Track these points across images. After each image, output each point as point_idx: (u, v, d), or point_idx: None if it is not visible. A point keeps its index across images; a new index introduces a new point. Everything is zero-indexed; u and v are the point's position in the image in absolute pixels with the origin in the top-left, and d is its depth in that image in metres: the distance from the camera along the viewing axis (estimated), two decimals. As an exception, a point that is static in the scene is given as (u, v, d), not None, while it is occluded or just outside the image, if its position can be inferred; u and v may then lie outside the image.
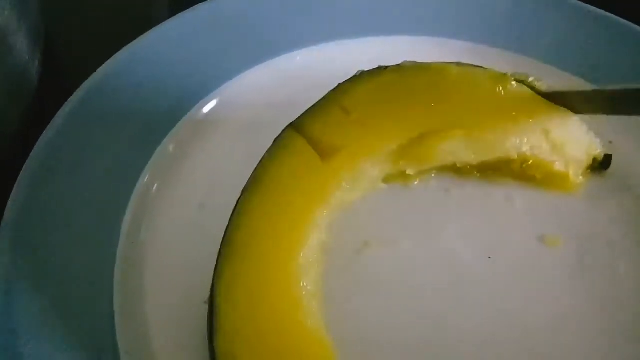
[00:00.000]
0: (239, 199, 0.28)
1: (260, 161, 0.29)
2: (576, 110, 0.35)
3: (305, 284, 0.27)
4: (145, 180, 0.34)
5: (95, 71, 0.37)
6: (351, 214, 0.33)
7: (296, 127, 0.30)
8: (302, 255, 0.28)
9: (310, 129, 0.29)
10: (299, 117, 0.30)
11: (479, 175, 0.37)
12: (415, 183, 0.36)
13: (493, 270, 0.33)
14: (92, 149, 0.34)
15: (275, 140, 0.30)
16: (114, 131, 0.35)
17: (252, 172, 0.29)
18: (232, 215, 0.28)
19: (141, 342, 0.29)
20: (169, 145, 0.35)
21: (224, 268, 0.27)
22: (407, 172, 0.35)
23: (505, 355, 0.30)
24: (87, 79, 0.37)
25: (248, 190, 0.28)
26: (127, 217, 0.32)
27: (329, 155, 0.29)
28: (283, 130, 0.30)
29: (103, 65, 0.37)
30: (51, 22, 0.42)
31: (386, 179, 0.35)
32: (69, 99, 0.35)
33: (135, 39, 0.39)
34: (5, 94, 0.35)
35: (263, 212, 0.28)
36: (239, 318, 0.26)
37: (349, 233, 0.33)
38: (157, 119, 0.36)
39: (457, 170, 0.36)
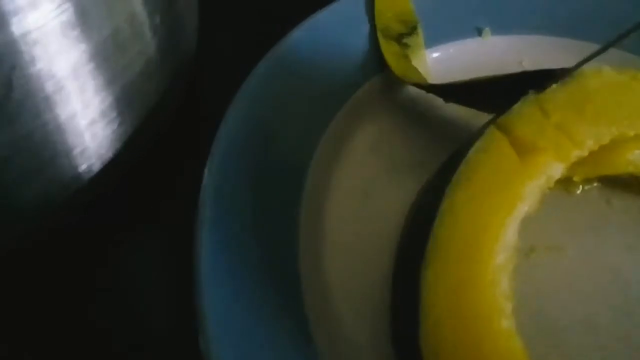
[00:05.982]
0: (445, 193, 0.28)
1: (466, 157, 0.29)
2: None
3: (502, 285, 0.27)
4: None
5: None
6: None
7: (499, 126, 0.29)
8: (499, 255, 0.27)
9: (513, 129, 0.29)
10: (502, 116, 0.30)
11: (638, 187, 0.36)
12: (578, 192, 0.36)
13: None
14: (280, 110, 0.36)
15: (477, 136, 0.30)
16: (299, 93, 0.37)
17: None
18: (439, 209, 0.28)
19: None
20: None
21: (430, 261, 0.27)
22: (575, 179, 0.34)
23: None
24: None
25: (455, 185, 0.28)
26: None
27: (528, 155, 0.29)
28: (485, 127, 0.30)
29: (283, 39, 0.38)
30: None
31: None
32: (257, 66, 0.37)
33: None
34: (174, 73, 0.36)
35: (467, 209, 0.28)
36: (442, 310, 0.26)
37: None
38: (336, 86, 0.38)
39: (619, 181, 0.36)
